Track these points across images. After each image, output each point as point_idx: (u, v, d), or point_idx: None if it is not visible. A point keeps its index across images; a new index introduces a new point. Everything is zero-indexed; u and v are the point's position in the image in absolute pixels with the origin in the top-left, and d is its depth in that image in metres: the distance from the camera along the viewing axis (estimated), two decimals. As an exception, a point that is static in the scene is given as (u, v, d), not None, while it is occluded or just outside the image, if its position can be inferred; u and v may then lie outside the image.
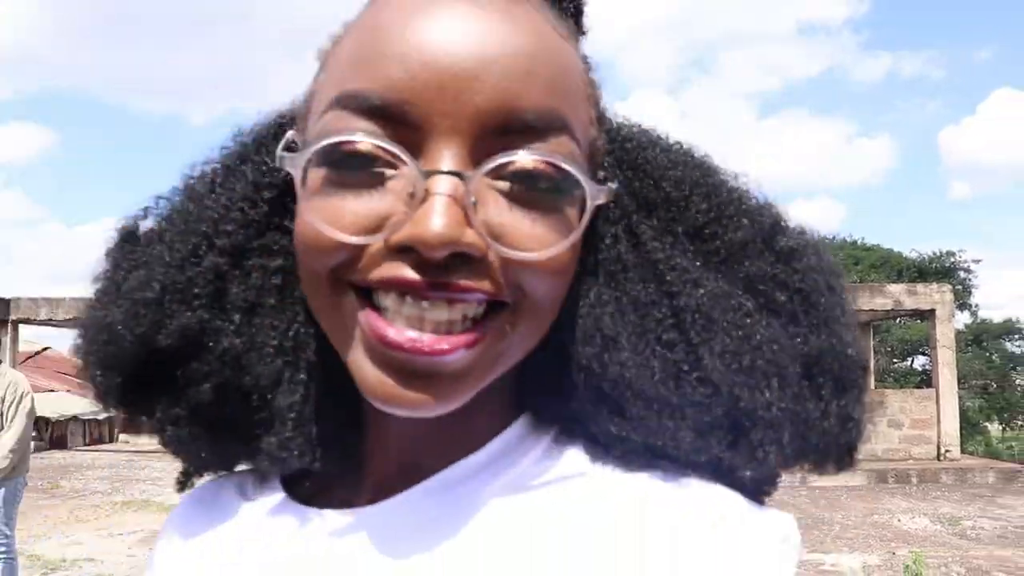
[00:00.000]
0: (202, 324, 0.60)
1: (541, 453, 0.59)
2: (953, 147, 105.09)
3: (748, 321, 0.58)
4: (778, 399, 0.57)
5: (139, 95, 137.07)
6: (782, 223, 0.64)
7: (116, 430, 22.28)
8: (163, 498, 11.78)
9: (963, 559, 7.69)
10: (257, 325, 0.60)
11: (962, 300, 42.99)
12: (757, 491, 0.60)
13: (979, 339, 41.38)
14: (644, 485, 0.56)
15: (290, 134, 0.56)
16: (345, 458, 0.62)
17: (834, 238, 51.25)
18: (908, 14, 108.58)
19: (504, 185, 0.50)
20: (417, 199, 0.48)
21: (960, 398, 41.09)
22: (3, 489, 5.51)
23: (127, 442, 21.87)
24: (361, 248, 0.50)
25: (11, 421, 5.42)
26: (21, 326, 18.83)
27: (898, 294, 15.96)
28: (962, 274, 42.80)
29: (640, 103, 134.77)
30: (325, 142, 0.50)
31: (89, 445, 20.99)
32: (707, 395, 0.56)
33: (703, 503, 0.55)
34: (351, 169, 0.50)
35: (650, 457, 0.57)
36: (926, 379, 23.88)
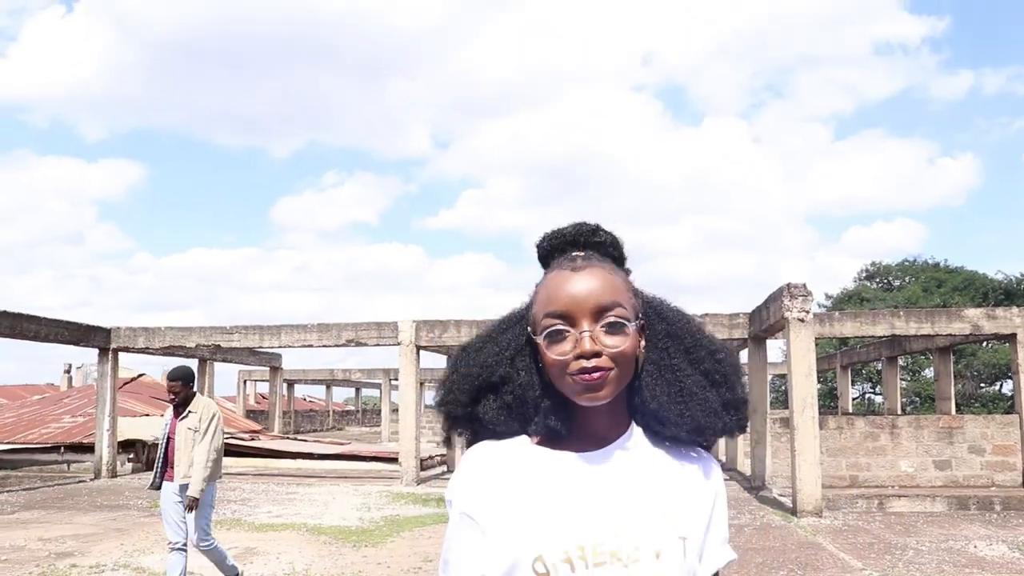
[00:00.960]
0: (502, 379, 1.36)
1: (637, 434, 1.35)
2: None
3: (708, 387, 1.35)
4: (716, 417, 1.34)
5: (223, 130, 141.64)
6: (717, 343, 1.39)
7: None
8: (252, 518, 12.38)
9: (1037, 584, 7.70)
10: (526, 381, 1.34)
11: (1053, 322, 41.70)
12: (708, 448, 1.39)
13: (1072, 363, 39.81)
14: (681, 447, 1.37)
15: (529, 329, 1.34)
16: (561, 432, 1.33)
17: (915, 261, 50.20)
18: (989, 30, 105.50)
19: (604, 328, 1.26)
20: (579, 341, 1.25)
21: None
22: (210, 492, 6.83)
23: (216, 465, 22.72)
24: (568, 361, 1.25)
25: (204, 435, 6.54)
26: (120, 354, 19.79)
27: (976, 318, 15.76)
28: (1052, 295, 41.51)
29: (713, 128, 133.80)
30: (550, 329, 1.27)
31: (181, 467, 21.86)
32: (694, 416, 1.33)
33: (697, 450, 1.38)
34: (556, 336, 1.27)
35: (674, 440, 1.35)
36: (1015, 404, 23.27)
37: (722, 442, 21.87)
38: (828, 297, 52.20)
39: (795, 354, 12.46)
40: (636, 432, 1.34)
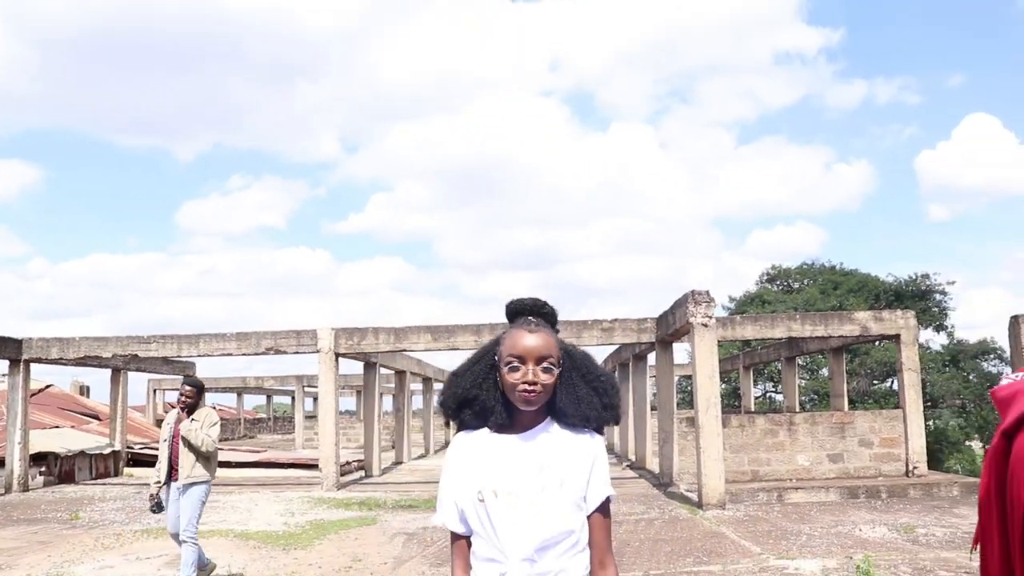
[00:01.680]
0: (474, 398, 2.29)
1: (553, 425, 2.27)
2: (930, 171, 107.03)
3: (594, 396, 2.27)
4: (598, 412, 2.28)
5: (124, 131, 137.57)
6: (601, 369, 2.35)
7: (121, 464, 22.94)
8: (178, 526, 12.54)
9: (911, 561, 8.58)
10: (490, 393, 2.27)
11: (939, 322, 44.10)
12: (598, 431, 2.31)
13: (956, 360, 42.21)
14: (578, 430, 2.27)
15: (498, 359, 2.27)
16: (507, 424, 2.26)
17: (813, 264, 52.39)
18: (881, 42, 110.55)
19: (541, 369, 2.21)
20: (526, 374, 2.19)
21: (938, 418, 41.79)
22: (204, 488, 7.64)
23: (131, 475, 22.55)
24: (518, 383, 2.19)
25: (208, 428, 7.57)
26: (32, 365, 19.51)
27: (865, 320, 16.93)
28: (938, 296, 43.93)
29: (620, 133, 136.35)
30: (511, 364, 2.21)
31: (96, 479, 21.64)
32: (584, 412, 2.25)
33: (588, 431, 2.28)
34: (513, 368, 2.20)
35: (573, 426, 2.26)
36: (901, 400, 24.71)
37: (631, 443, 22.78)
38: (732, 299, 54.02)
39: (699, 357, 13.29)
40: (550, 422, 2.28)
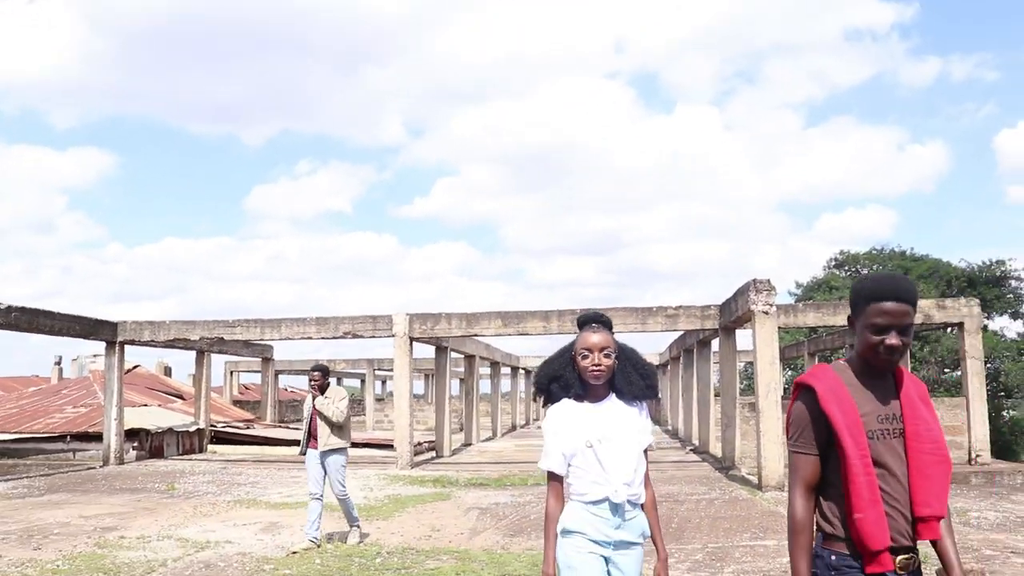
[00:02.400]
0: (559, 376, 3.40)
1: (613, 397, 3.37)
2: (1010, 150, 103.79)
3: (640, 379, 3.39)
4: (643, 391, 3.40)
5: (195, 118, 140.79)
6: (644, 360, 3.50)
7: (205, 441, 24.21)
8: (266, 498, 13.49)
9: (960, 542, 8.99)
10: (571, 374, 3.39)
11: (1014, 309, 43.35)
12: (644, 401, 3.41)
13: (1033, 348, 41.45)
14: (631, 401, 3.38)
15: (574, 352, 3.40)
16: (583, 396, 3.36)
17: (882, 249, 51.75)
18: (957, 16, 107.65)
19: (603, 355, 3.31)
20: (592, 360, 3.32)
21: (1013, 408, 40.98)
22: (342, 454, 9.17)
23: (214, 452, 23.79)
24: (588, 367, 3.34)
25: (338, 402, 9.05)
26: (128, 347, 20.78)
27: (928, 308, 17.11)
28: (1013, 282, 43.18)
29: (684, 116, 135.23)
30: (581, 353, 3.34)
31: (182, 454, 22.91)
32: (633, 391, 3.36)
33: (639, 402, 3.39)
34: (584, 357, 3.34)
35: (627, 398, 3.37)
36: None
37: (695, 428, 23.24)
38: (798, 285, 53.70)
39: (760, 343, 13.75)
40: (612, 396, 3.34)
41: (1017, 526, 10.07)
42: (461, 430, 28.91)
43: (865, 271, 51.36)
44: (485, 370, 34.25)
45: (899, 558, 2.45)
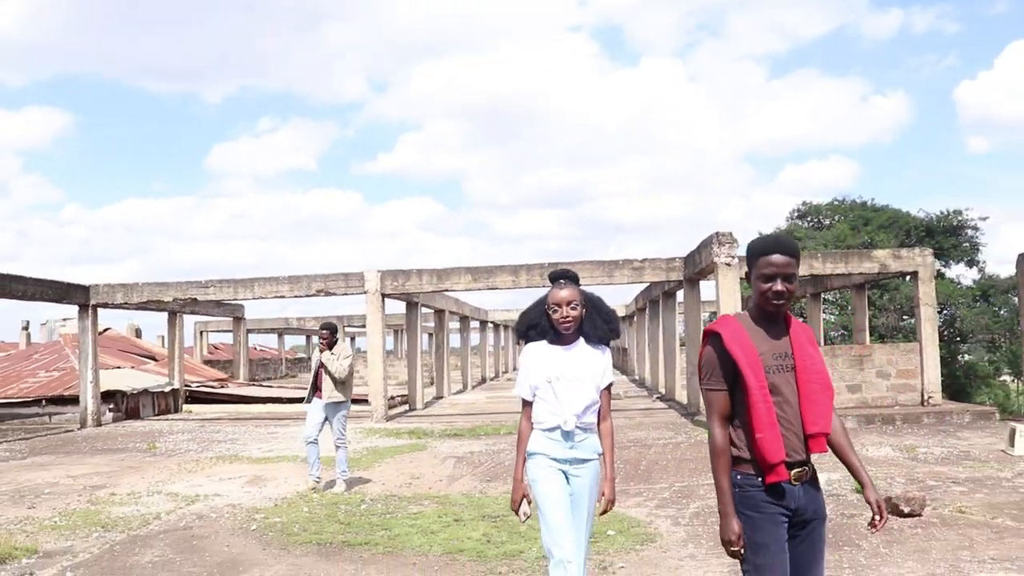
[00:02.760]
0: (536, 323, 4.09)
1: (581, 341, 4.05)
2: (970, 102, 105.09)
3: (604, 324, 4.04)
4: (606, 334, 4.07)
5: (153, 77, 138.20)
6: (607, 306, 4.14)
7: (180, 401, 24.47)
8: (247, 453, 13.87)
9: (907, 474, 9.63)
10: (545, 322, 4.06)
11: (970, 257, 44.41)
12: (606, 345, 4.09)
13: (987, 294, 42.53)
14: (596, 345, 4.07)
15: (547, 305, 4.08)
16: (555, 340, 4.04)
17: (844, 200, 52.52)
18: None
19: (571, 308, 3.98)
20: (561, 312, 4.00)
21: (968, 353, 42.23)
22: (344, 407, 9.98)
23: (190, 411, 24.07)
24: (559, 319, 4.00)
25: (342, 359, 9.80)
26: (99, 310, 20.91)
27: (884, 258, 17.75)
28: (970, 232, 44.17)
29: (649, 69, 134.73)
30: (552, 307, 4.04)
31: (158, 415, 23.18)
32: (598, 334, 4.04)
33: (602, 345, 4.08)
34: (554, 310, 4.03)
35: (593, 341, 4.05)
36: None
37: (662, 376, 23.89)
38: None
39: (723, 294, 14.28)
40: (580, 340, 4.01)
41: (960, 459, 10.74)
42: (432, 384, 29.40)
43: (827, 222, 52.33)
44: (455, 324, 34.69)
45: (794, 471, 2.97)
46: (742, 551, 2.98)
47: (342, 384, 9.80)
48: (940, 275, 36.38)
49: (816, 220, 54.09)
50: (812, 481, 3.09)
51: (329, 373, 9.70)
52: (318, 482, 9.94)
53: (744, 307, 3.38)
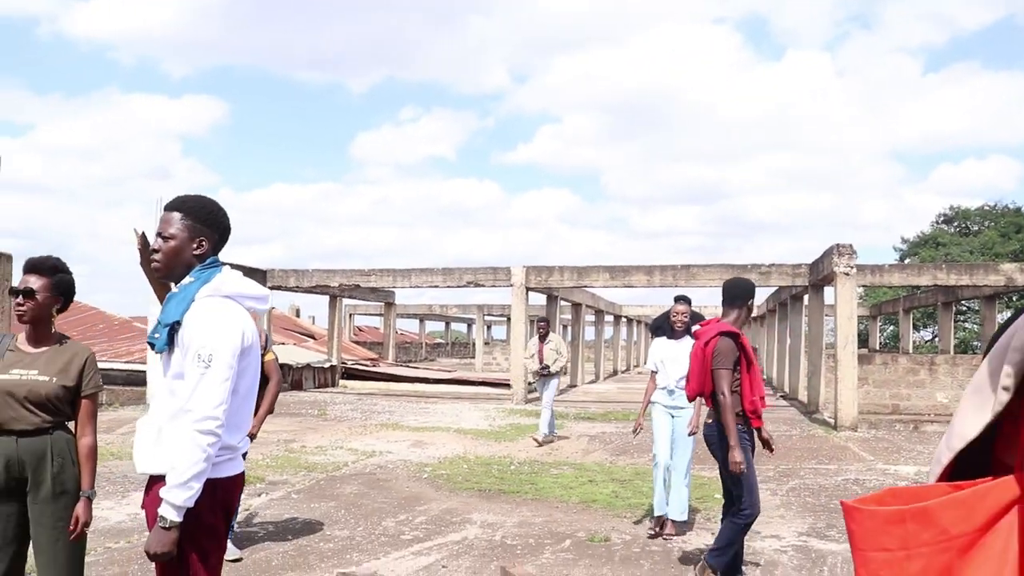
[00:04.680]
0: (661, 325, 6.19)
1: (688, 338, 6.45)
2: None
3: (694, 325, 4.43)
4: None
5: (302, 67, 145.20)
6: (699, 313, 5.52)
7: (337, 376, 27.09)
8: (405, 423, 15.92)
9: None
10: (667, 324, 6.33)
11: None
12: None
13: None
14: (688, 339, 4.52)
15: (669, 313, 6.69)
16: (671, 336, 6.52)
17: (995, 206, 51.11)
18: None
19: (682, 314, 6.22)
20: (678, 315, 6.08)
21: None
22: (556, 379, 13.07)
23: (345, 387, 26.63)
24: (675, 320, 6.74)
25: (559, 353, 13.06)
26: (274, 292, 23.59)
27: (1011, 272, 18.28)
28: None
29: (795, 62, 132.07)
30: (671, 315, 6.88)
31: (318, 388, 25.81)
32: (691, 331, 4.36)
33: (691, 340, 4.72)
34: (672, 317, 6.90)
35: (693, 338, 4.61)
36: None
37: (787, 376, 24.83)
38: (904, 241, 53.65)
39: (840, 301, 15.39)
40: (687, 338, 6.56)
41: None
42: (567, 373, 31.09)
43: (976, 228, 51.07)
44: (590, 318, 36.32)
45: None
46: (743, 470, 4.93)
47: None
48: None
49: (964, 225, 52.83)
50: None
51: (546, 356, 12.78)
52: (544, 439, 12.90)
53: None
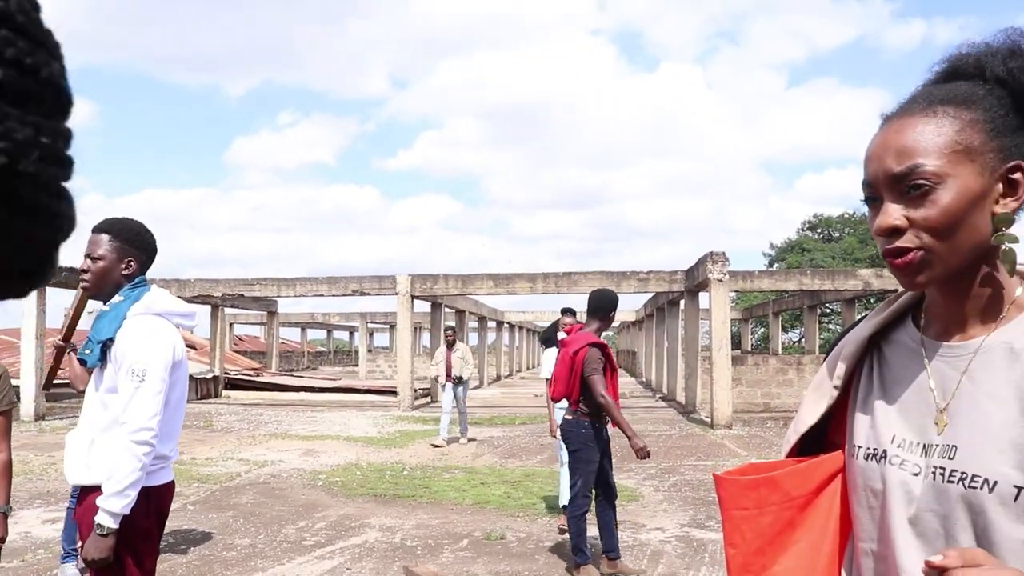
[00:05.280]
0: (552, 336, 6.49)
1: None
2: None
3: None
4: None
5: (176, 68, 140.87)
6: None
7: (220, 387, 26.58)
8: (294, 432, 15.88)
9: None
10: (556, 336, 6.21)
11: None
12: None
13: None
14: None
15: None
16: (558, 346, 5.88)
17: (854, 214, 54.18)
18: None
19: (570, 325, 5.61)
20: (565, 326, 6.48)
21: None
22: (467, 385, 13.98)
23: (229, 397, 26.15)
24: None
25: (467, 362, 13.73)
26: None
27: (867, 277, 19.61)
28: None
29: (668, 73, 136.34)
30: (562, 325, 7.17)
31: (200, 399, 25.28)
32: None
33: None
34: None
35: None
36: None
37: (665, 378, 25.80)
38: (772, 247, 56.36)
39: (714, 306, 16.21)
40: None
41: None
42: (474, 378, 31.36)
43: (837, 235, 54.09)
44: (473, 324, 36.69)
45: None
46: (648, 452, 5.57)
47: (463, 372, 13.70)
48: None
49: (827, 232, 55.88)
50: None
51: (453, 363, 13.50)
52: (444, 443, 13.49)
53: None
